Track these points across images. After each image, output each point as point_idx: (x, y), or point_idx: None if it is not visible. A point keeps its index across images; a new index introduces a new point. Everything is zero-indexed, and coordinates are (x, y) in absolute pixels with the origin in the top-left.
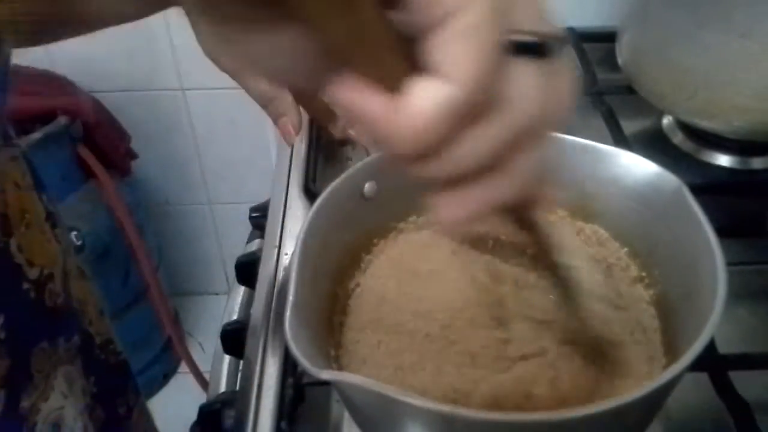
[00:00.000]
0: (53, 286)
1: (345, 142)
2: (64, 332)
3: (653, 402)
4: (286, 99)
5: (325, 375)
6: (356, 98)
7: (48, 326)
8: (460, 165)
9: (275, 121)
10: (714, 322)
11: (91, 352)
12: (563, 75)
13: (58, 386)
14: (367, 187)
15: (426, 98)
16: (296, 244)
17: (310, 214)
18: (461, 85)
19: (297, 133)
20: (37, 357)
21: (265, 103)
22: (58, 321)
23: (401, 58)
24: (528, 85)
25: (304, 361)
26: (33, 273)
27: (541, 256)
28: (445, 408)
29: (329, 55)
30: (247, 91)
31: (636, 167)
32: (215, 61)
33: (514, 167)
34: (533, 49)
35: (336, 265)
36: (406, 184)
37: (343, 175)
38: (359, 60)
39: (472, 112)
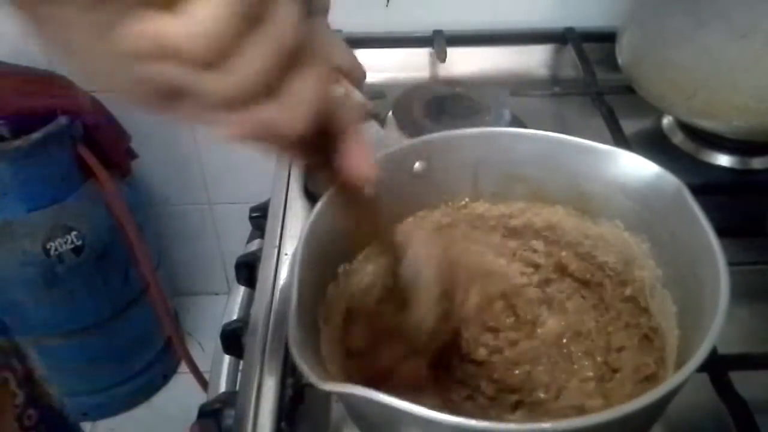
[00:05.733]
0: None
1: None
2: None
3: (656, 409)
4: None
5: (329, 387)
6: (156, 26)
7: None
8: (242, 75)
9: None
10: (717, 328)
11: None
12: (325, 24)
13: None
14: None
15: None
16: (296, 249)
17: (310, 217)
18: None
19: None
20: None
21: None
22: None
23: None
24: (290, 14)
25: (309, 373)
26: None
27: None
28: (450, 418)
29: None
30: None
31: (636, 168)
32: None
33: (290, 92)
34: None
35: (335, 269)
36: (405, 186)
37: None
38: None
39: (248, 16)
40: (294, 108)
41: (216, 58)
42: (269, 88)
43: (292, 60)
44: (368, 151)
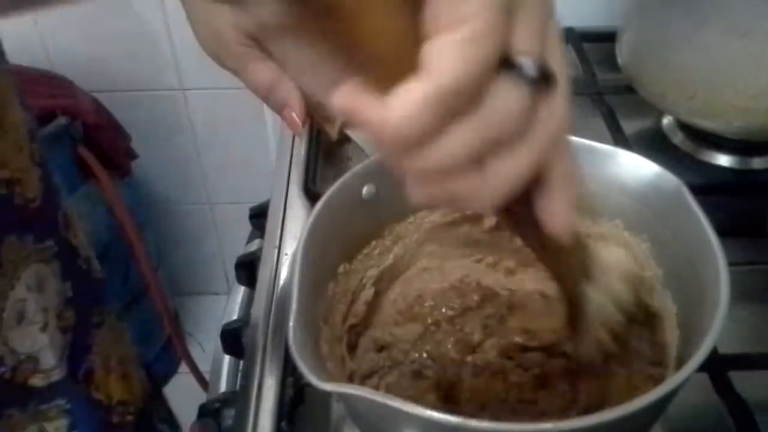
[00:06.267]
0: (22, 189)
1: (343, 142)
2: (34, 232)
3: (656, 409)
4: (288, 87)
5: (329, 387)
6: (356, 105)
7: (16, 222)
8: (440, 157)
9: (279, 113)
10: (717, 328)
11: (71, 260)
12: (556, 105)
13: (25, 279)
14: (366, 189)
15: (407, 93)
16: (296, 249)
17: (310, 218)
18: (439, 83)
19: (303, 124)
20: (7, 247)
21: (265, 95)
22: (28, 221)
23: (411, 60)
24: (509, 99)
25: (309, 373)
26: (3, 174)
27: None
28: (450, 418)
29: (350, 57)
30: (247, 84)
31: (636, 167)
32: (215, 57)
33: (494, 171)
34: (526, 72)
35: (335, 269)
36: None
37: (341, 179)
38: (380, 62)
39: (451, 108)
40: (494, 186)
41: (411, 145)
42: (469, 165)
43: (499, 143)
44: (571, 196)
